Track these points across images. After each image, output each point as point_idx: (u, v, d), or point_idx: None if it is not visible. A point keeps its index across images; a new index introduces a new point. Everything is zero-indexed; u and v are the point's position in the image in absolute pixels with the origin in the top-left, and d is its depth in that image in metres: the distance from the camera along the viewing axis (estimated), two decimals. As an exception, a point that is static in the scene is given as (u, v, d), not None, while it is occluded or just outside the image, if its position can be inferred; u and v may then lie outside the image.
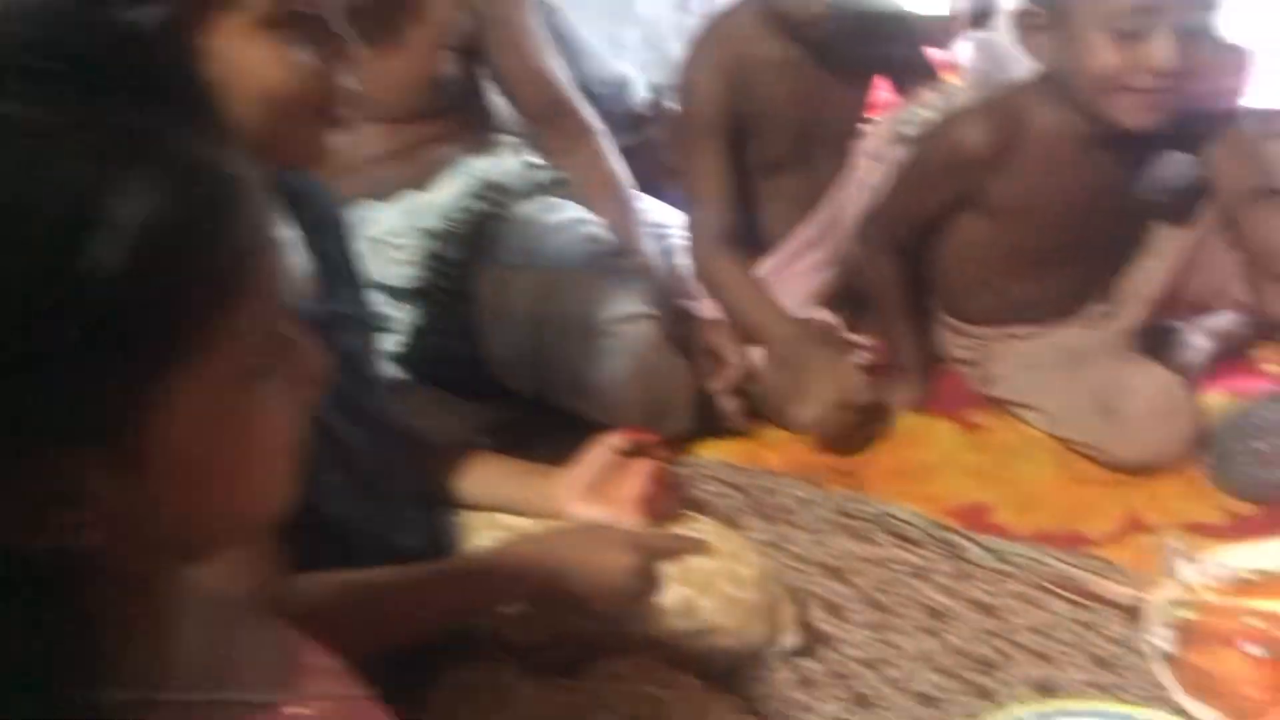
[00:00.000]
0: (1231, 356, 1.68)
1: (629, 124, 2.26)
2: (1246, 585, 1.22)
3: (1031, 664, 1.23)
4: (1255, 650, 1.13)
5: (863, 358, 1.69)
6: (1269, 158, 1.53)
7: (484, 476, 1.15)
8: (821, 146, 1.73)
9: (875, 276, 1.66)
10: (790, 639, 1.18)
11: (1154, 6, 1.31)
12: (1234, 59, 1.57)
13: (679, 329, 1.61)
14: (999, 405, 1.64)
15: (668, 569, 1.07)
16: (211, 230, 0.47)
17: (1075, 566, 1.33)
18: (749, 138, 1.71)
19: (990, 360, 1.66)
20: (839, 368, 1.56)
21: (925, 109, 1.67)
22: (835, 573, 1.37)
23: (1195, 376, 1.61)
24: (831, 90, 1.70)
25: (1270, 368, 1.65)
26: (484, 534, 1.13)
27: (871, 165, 1.69)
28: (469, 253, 1.61)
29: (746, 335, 1.63)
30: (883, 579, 1.36)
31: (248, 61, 0.80)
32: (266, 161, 0.57)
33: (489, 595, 1.03)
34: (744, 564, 1.13)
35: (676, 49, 2.34)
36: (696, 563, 1.10)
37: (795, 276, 1.76)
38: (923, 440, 1.60)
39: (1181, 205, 1.58)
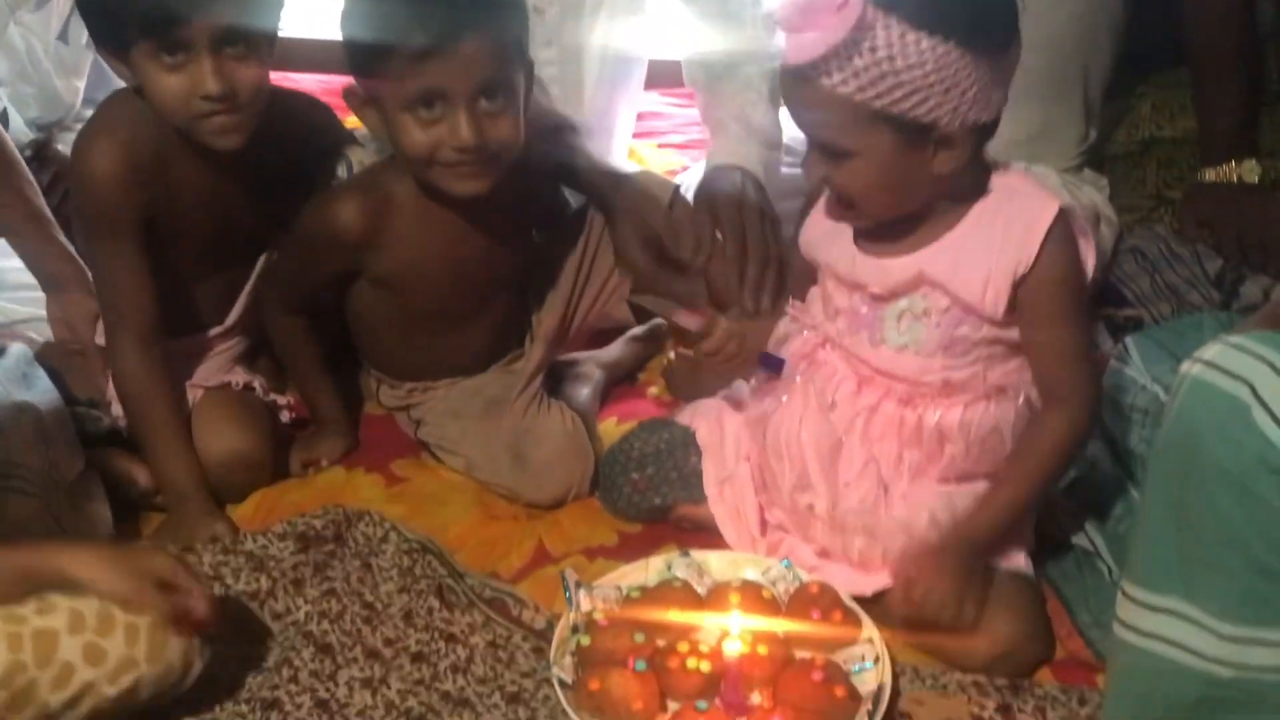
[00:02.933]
0: (621, 381, 1.88)
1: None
2: (631, 604, 1.38)
3: (454, 713, 1.30)
4: (638, 665, 1.28)
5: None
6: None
7: None
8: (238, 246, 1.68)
9: (279, 338, 1.68)
10: None
11: (441, 91, 1.37)
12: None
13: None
14: (424, 447, 1.71)
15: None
16: None
17: (502, 593, 1.45)
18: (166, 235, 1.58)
19: (418, 407, 1.73)
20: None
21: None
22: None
23: (593, 406, 1.79)
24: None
25: (652, 390, 1.86)
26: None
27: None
28: None
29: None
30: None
31: None
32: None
33: None
34: None
35: (58, 84, 2.18)
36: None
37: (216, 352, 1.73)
38: (346, 496, 1.63)
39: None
